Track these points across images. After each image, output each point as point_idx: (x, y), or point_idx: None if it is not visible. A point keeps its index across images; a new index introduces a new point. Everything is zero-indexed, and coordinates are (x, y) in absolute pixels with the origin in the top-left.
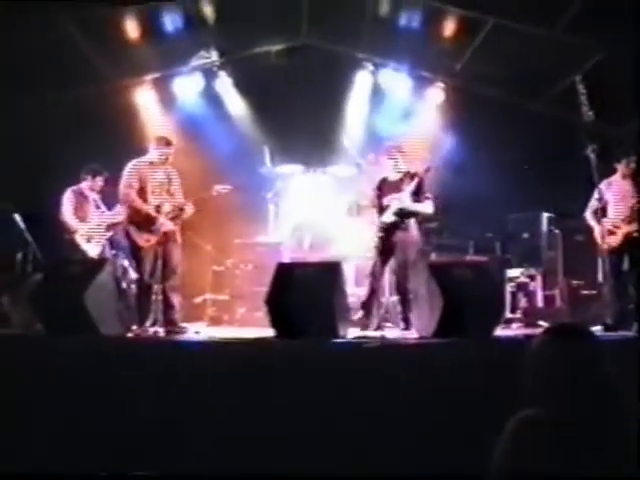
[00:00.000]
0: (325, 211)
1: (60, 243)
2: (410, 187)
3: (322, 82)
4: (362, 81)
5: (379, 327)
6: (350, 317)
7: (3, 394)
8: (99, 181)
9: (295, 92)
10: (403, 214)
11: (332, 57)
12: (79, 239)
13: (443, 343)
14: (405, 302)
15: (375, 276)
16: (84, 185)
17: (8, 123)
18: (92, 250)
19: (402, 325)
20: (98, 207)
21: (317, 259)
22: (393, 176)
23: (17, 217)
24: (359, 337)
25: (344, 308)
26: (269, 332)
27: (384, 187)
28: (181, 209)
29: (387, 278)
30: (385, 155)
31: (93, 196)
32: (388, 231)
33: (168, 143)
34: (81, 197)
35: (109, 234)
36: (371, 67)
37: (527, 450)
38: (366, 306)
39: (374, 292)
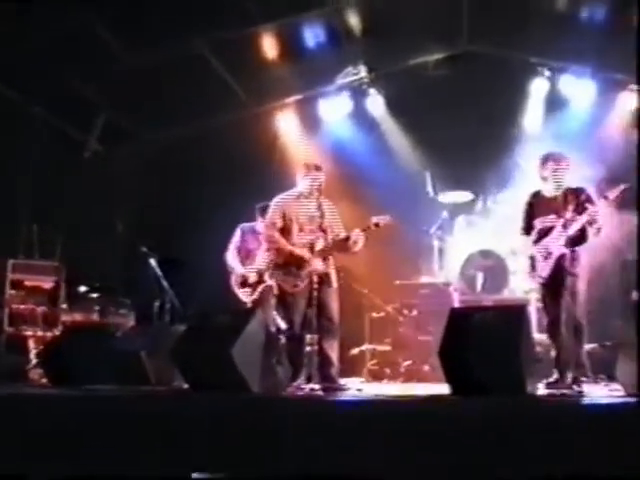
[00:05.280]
0: (499, 246)
1: (200, 291)
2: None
3: (489, 94)
4: (537, 90)
5: (575, 381)
6: (538, 369)
7: (147, 454)
8: None
9: (458, 108)
10: (575, 241)
11: (499, 64)
12: (233, 283)
13: None
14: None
15: (552, 319)
16: (258, 222)
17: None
18: (246, 297)
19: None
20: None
21: (491, 302)
22: (549, 192)
23: (152, 262)
24: (553, 394)
25: (532, 359)
26: (442, 389)
27: (536, 203)
28: (346, 239)
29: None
30: (543, 166)
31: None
32: (556, 260)
33: (317, 169)
34: (250, 235)
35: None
36: (547, 72)
37: None
38: (561, 363)
39: (559, 340)
